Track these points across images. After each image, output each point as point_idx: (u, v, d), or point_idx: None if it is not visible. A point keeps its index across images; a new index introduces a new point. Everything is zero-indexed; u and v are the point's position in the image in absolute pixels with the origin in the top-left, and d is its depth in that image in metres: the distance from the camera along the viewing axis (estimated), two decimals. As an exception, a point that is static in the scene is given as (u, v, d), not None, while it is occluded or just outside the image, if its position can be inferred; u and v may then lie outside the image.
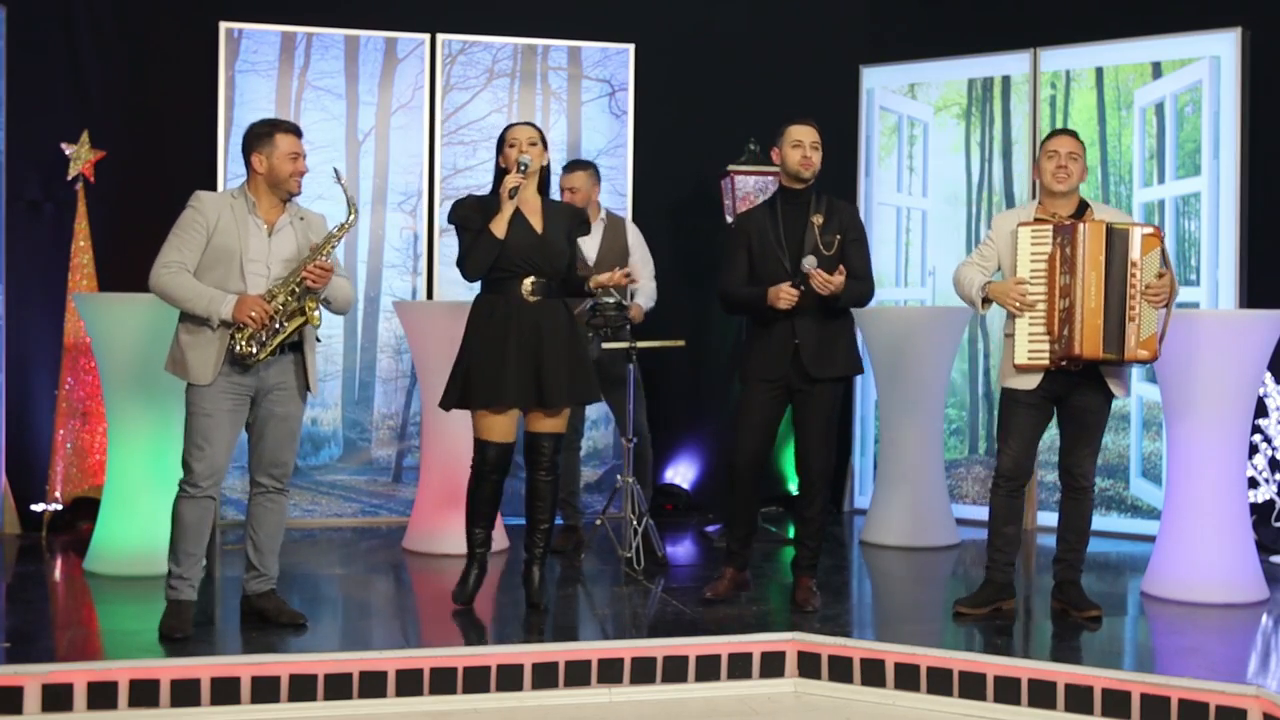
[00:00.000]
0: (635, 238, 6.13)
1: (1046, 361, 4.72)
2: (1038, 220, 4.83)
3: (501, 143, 4.86)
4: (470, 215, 4.75)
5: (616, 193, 6.91)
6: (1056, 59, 6.74)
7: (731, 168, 6.66)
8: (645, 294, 6.03)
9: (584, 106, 6.99)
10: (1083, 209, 4.85)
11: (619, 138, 7.03)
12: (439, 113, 6.81)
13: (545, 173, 4.90)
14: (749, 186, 6.60)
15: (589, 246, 5.97)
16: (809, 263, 4.71)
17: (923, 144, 7.10)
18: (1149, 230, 4.67)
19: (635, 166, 7.04)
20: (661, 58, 7.13)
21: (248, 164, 4.51)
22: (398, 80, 6.76)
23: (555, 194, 5.26)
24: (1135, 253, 4.62)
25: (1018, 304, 4.73)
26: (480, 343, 4.73)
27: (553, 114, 6.95)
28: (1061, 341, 4.66)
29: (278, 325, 4.40)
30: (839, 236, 4.84)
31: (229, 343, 4.37)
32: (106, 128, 6.45)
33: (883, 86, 7.19)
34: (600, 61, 7.02)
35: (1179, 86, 6.41)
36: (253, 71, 6.58)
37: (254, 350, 4.38)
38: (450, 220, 4.83)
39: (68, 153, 6.32)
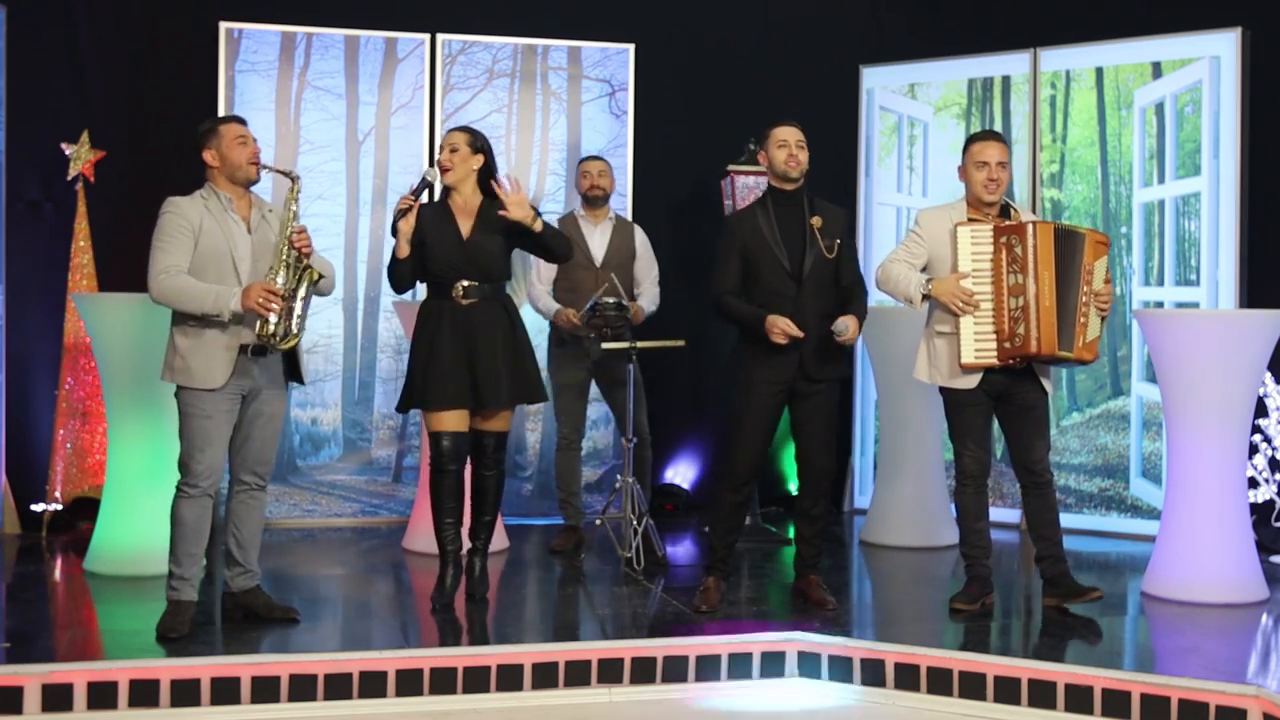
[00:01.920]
0: (642, 241, 6.17)
1: (994, 360, 4.73)
2: (974, 220, 4.83)
3: None
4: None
5: (617, 193, 6.90)
6: (1056, 59, 6.74)
7: (731, 168, 6.65)
8: (649, 298, 6.08)
9: (584, 106, 6.99)
10: (1005, 210, 4.87)
11: (619, 138, 7.02)
12: (439, 113, 6.80)
13: (487, 172, 4.91)
14: (749, 186, 6.60)
15: (596, 245, 5.99)
16: (841, 328, 4.72)
17: (922, 144, 7.10)
18: (1100, 238, 4.71)
19: (635, 166, 7.03)
20: (661, 58, 7.13)
21: (203, 164, 4.51)
22: (398, 80, 6.76)
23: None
24: (1088, 258, 4.67)
25: (963, 303, 4.74)
26: (422, 346, 4.83)
27: (553, 114, 6.95)
28: (1015, 340, 4.67)
29: (294, 302, 4.43)
30: (839, 241, 4.87)
31: (255, 340, 4.39)
32: (106, 128, 6.45)
33: (883, 86, 7.18)
34: (600, 61, 7.01)
35: (1179, 86, 6.41)
36: (253, 71, 6.58)
37: (291, 329, 4.41)
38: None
39: (68, 153, 6.32)
